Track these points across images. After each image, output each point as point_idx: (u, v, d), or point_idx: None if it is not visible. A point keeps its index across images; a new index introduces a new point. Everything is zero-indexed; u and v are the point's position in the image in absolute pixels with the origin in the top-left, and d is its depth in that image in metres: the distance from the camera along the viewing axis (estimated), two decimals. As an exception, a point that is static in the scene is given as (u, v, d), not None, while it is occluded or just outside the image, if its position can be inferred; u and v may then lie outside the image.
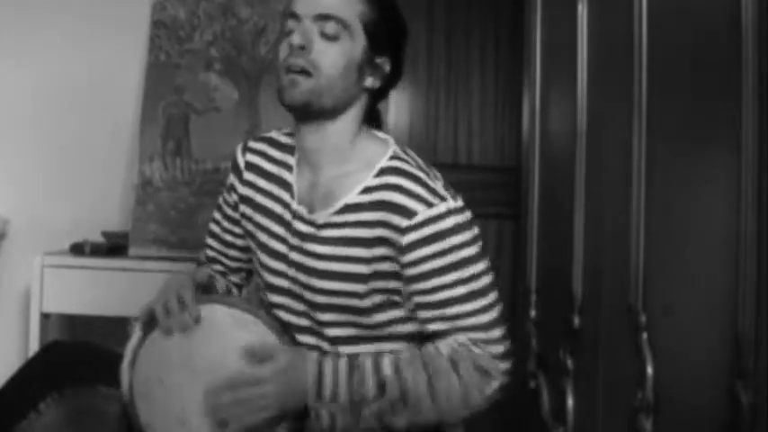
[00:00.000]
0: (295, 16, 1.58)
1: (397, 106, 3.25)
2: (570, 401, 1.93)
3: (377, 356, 1.55)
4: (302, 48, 1.55)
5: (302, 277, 1.61)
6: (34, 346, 2.78)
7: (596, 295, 1.80)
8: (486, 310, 1.55)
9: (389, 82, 1.66)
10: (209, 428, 1.55)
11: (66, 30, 3.18)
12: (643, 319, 1.48)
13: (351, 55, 1.58)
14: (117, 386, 1.61)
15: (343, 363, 1.54)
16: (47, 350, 1.82)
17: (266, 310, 1.65)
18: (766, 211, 1.07)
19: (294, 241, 1.62)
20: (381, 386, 1.52)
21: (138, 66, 3.16)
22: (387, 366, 1.53)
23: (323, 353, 1.58)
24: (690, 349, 1.33)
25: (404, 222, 1.52)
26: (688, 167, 1.34)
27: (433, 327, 1.56)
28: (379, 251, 1.55)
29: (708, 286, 1.26)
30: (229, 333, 1.58)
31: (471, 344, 1.54)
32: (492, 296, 1.57)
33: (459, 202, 1.55)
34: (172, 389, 1.57)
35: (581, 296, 1.90)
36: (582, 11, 1.93)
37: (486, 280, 1.57)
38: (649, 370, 1.44)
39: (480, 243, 1.57)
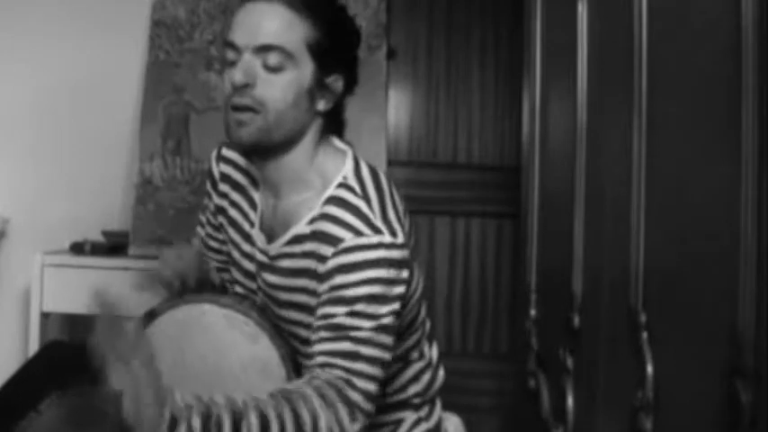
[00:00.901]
0: (234, 47, 1.50)
1: (397, 106, 3.25)
2: (570, 400, 1.93)
3: (239, 414, 1.38)
4: (245, 85, 1.48)
5: (268, 303, 1.60)
6: (34, 346, 2.79)
7: (596, 294, 1.79)
8: (372, 360, 1.45)
9: (344, 94, 1.58)
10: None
11: (66, 29, 3.18)
12: (643, 318, 1.48)
13: (299, 84, 1.50)
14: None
15: (196, 422, 1.36)
16: (47, 349, 1.82)
17: (258, 311, 1.65)
18: (766, 211, 1.07)
19: (256, 266, 1.61)
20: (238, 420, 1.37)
21: (139, 65, 3.16)
22: (251, 415, 1.38)
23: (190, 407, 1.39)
24: (690, 348, 1.33)
25: (329, 250, 1.46)
26: (688, 167, 1.34)
27: (317, 358, 1.45)
28: (311, 283, 1.50)
29: (708, 284, 1.26)
30: (221, 333, 1.58)
31: (343, 383, 1.43)
32: (380, 349, 1.46)
33: (399, 239, 1.47)
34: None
35: (581, 295, 1.90)
36: (582, 11, 1.92)
37: (387, 320, 1.46)
38: (649, 369, 1.44)
39: (402, 287, 1.47)
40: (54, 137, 3.17)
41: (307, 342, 1.54)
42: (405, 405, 1.68)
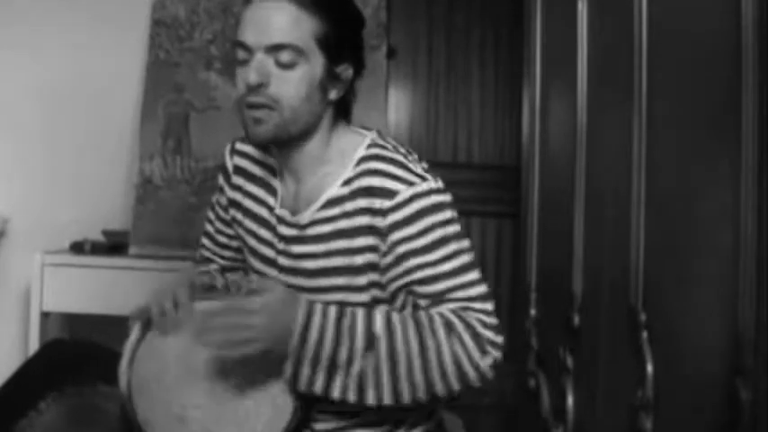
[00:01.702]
0: (245, 47, 1.52)
1: (398, 106, 3.26)
2: (570, 400, 1.93)
3: (369, 310, 1.49)
4: (260, 85, 1.50)
5: (293, 280, 1.60)
6: (34, 345, 2.79)
7: (596, 294, 1.80)
8: (474, 284, 1.53)
9: (354, 79, 1.61)
10: (207, 426, 1.55)
11: (66, 29, 3.18)
12: (643, 317, 1.48)
13: (311, 77, 1.53)
14: (117, 385, 1.61)
15: (333, 309, 1.47)
16: (47, 349, 1.82)
17: None
18: (766, 211, 1.07)
19: (281, 246, 1.62)
20: (370, 340, 1.45)
21: (139, 64, 3.16)
22: (378, 321, 1.47)
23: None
24: (690, 347, 1.33)
25: (385, 203, 1.50)
26: (688, 167, 1.34)
27: (424, 304, 1.52)
28: (364, 241, 1.53)
29: (708, 284, 1.26)
30: None
31: (467, 311, 1.50)
32: (477, 272, 1.54)
33: (440, 183, 1.55)
34: (170, 387, 1.57)
35: (581, 295, 1.90)
36: (582, 10, 1.93)
37: (469, 257, 1.54)
38: (649, 368, 1.44)
39: (459, 223, 1.56)
40: (54, 136, 3.17)
41: (341, 305, 1.56)
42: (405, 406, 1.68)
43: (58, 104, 3.19)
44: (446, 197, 1.55)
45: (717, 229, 1.22)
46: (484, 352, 1.50)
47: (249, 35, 1.52)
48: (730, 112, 1.14)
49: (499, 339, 1.52)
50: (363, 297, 1.56)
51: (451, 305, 1.51)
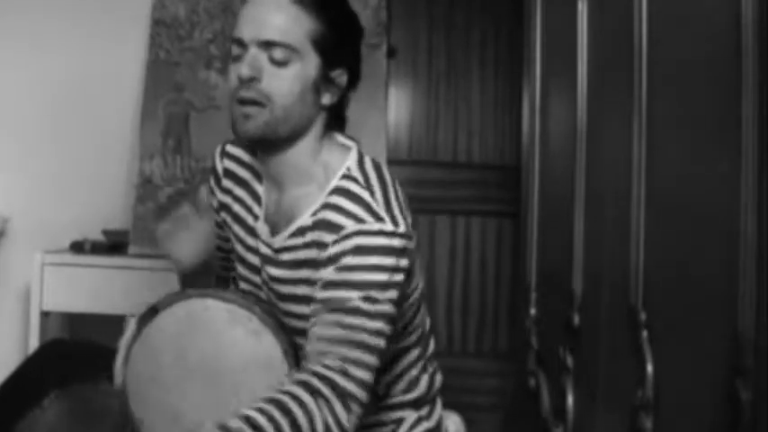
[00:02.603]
0: (240, 42, 1.50)
1: (398, 105, 3.26)
2: (570, 399, 1.93)
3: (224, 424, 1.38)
4: (252, 79, 1.48)
5: (272, 297, 1.60)
6: (34, 344, 2.79)
7: (596, 293, 1.80)
8: (369, 334, 1.44)
9: (348, 88, 1.57)
10: (202, 425, 1.55)
11: (66, 28, 3.18)
12: (643, 317, 1.49)
13: (305, 77, 1.50)
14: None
15: None
16: (47, 348, 1.82)
17: (261, 306, 1.65)
18: (766, 211, 1.08)
19: (260, 260, 1.61)
20: None
21: (139, 64, 3.16)
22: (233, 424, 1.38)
23: None
24: (690, 347, 1.33)
25: (330, 237, 1.46)
26: (688, 167, 1.34)
27: (312, 345, 1.44)
28: (310, 273, 1.50)
29: (708, 284, 1.26)
30: (224, 329, 1.58)
31: (335, 373, 1.42)
32: (381, 325, 1.44)
33: (401, 228, 1.46)
34: (166, 385, 1.57)
35: (581, 294, 1.90)
36: (582, 9, 1.93)
37: (385, 307, 1.45)
38: (649, 368, 1.44)
39: (400, 277, 1.46)
40: (54, 136, 3.17)
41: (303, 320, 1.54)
42: (405, 404, 1.68)
43: (59, 104, 3.19)
44: (397, 242, 1.45)
45: (717, 230, 1.23)
46: (348, 409, 1.42)
47: (244, 31, 1.50)
48: (730, 112, 1.14)
49: (365, 398, 1.44)
50: None
51: (328, 361, 1.42)
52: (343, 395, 1.42)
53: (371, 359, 1.45)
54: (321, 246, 1.48)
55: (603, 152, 1.77)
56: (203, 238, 1.81)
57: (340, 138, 1.61)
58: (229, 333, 1.57)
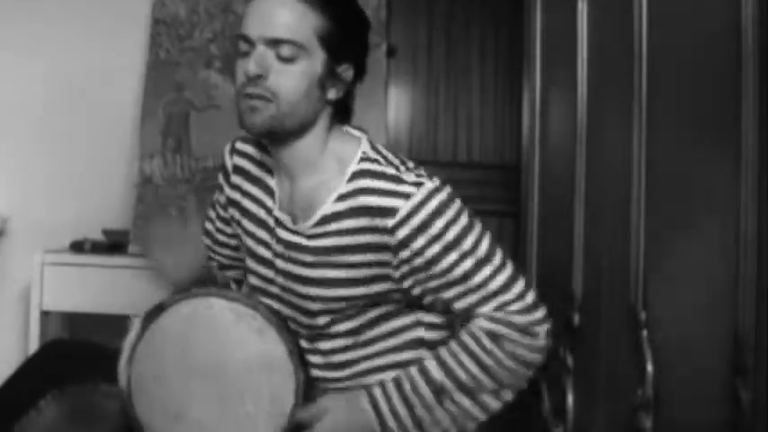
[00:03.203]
0: (247, 39, 1.52)
1: (398, 104, 3.26)
2: (570, 399, 1.93)
3: (422, 362, 1.55)
4: (259, 76, 1.50)
5: (291, 284, 1.60)
6: (34, 344, 2.79)
7: (596, 293, 1.80)
8: (497, 272, 1.53)
9: (354, 82, 1.60)
10: (206, 426, 1.55)
11: (66, 28, 3.18)
12: (643, 316, 1.49)
13: (311, 74, 1.52)
14: (117, 383, 1.61)
15: (390, 384, 1.55)
16: (47, 348, 1.82)
17: (265, 306, 1.65)
18: (766, 211, 1.08)
19: (279, 248, 1.61)
20: (436, 390, 1.53)
21: (139, 63, 3.16)
22: (433, 369, 1.54)
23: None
24: (690, 347, 1.33)
25: (389, 222, 1.50)
26: (688, 167, 1.34)
27: (458, 305, 1.55)
28: (370, 257, 1.53)
29: (708, 284, 1.26)
30: (228, 327, 1.58)
31: (500, 310, 1.53)
32: (498, 258, 1.55)
33: (436, 182, 1.54)
34: (170, 385, 1.57)
35: (581, 294, 1.90)
36: (582, 9, 1.93)
37: (485, 246, 1.55)
38: (649, 367, 1.44)
39: (466, 212, 1.55)
40: (54, 135, 3.17)
41: (314, 315, 1.58)
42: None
43: (59, 103, 3.19)
44: (444, 194, 1.53)
45: (717, 229, 1.23)
46: (534, 335, 1.53)
47: (252, 28, 1.51)
48: (730, 111, 1.14)
49: (539, 314, 1.54)
50: (361, 304, 1.58)
51: (484, 309, 1.53)
52: (523, 329, 1.52)
53: (520, 287, 1.54)
54: (381, 231, 1.51)
55: (603, 152, 1.77)
56: (193, 251, 1.81)
57: (348, 129, 1.63)
58: (233, 332, 1.58)
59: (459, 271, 1.52)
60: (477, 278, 1.53)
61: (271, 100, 1.51)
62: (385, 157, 1.57)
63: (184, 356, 1.57)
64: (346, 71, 1.56)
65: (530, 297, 1.54)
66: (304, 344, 1.62)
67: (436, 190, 1.52)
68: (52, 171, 3.19)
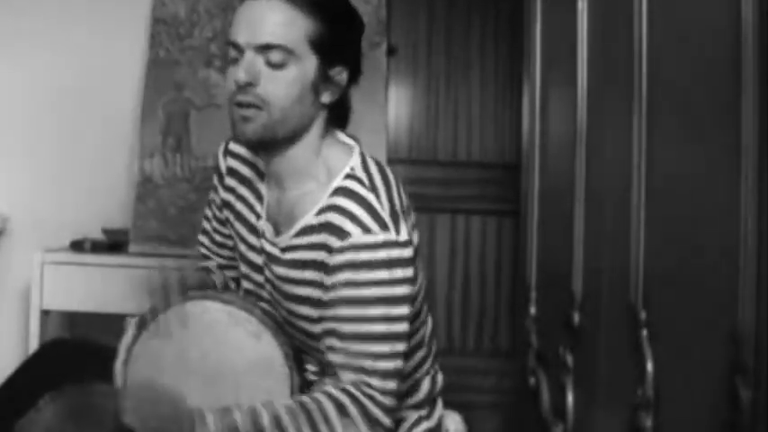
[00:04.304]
0: (236, 46, 1.49)
1: (397, 103, 3.25)
2: (570, 398, 1.93)
3: (254, 408, 1.46)
4: (248, 84, 1.48)
5: (274, 294, 1.60)
6: (34, 343, 2.79)
7: (596, 292, 1.80)
8: (389, 357, 1.46)
9: (349, 85, 1.57)
10: None
11: (66, 26, 3.18)
12: (643, 315, 1.49)
13: (303, 79, 1.49)
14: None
15: (211, 417, 1.44)
16: (47, 347, 1.82)
17: (261, 308, 1.65)
18: (766, 211, 1.08)
19: (264, 258, 1.61)
20: None
21: (139, 62, 3.16)
22: (265, 417, 1.44)
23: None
24: (690, 346, 1.33)
25: (336, 243, 1.46)
26: (688, 167, 1.34)
27: (332, 357, 1.48)
28: (314, 275, 1.50)
29: (708, 283, 1.26)
30: (224, 330, 1.58)
31: (362, 392, 1.45)
32: (400, 346, 1.47)
33: (403, 236, 1.47)
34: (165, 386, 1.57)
35: (581, 293, 1.90)
36: (582, 8, 1.93)
37: (399, 327, 1.47)
38: (649, 367, 1.44)
39: (409, 286, 1.47)
40: (54, 134, 3.17)
41: (312, 336, 1.55)
42: (407, 406, 1.68)
43: (59, 103, 3.19)
44: (401, 252, 1.45)
45: (717, 229, 1.23)
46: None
47: (240, 34, 1.49)
48: (730, 111, 1.14)
49: (387, 421, 1.47)
50: (315, 328, 1.54)
51: (351, 376, 1.46)
52: (372, 421, 1.45)
53: (395, 385, 1.48)
54: (328, 249, 1.47)
55: (603, 152, 1.77)
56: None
57: (341, 136, 1.60)
58: (230, 335, 1.58)
59: (347, 328, 1.46)
60: (369, 348, 1.45)
61: (261, 108, 1.48)
62: (371, 179, 1.53)
63: (180, 359, 1.57)
64: (340, 74, 1.54)
65: (390, 400, 1.47)
66: (304, 340, 1.62)
67: (395, 244, 1.46)
68: (52, 170, 3.19)
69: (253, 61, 1.48)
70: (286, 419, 1.44)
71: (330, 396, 1.45)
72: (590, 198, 1.87)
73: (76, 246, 2.97)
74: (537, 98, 2.40)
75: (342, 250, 1.45)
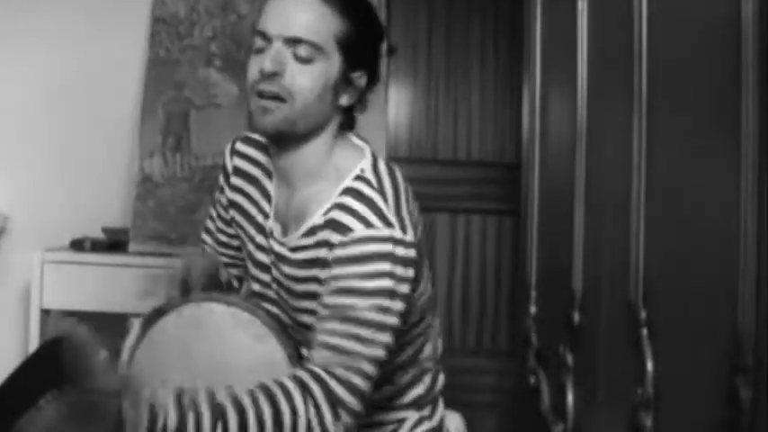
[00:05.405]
0: (265, 36, 1.50)
1: (398, 104, 3.26)
2: (570, 397, 1.93)
3: (214, 403, 1.39)
4: (274, 74, 1.47)
5: (284, 295, 1.60)
6: (34, 343, 2.79)
7: (596, 291, 1.80)
8: (371, 343, 1.43)
9: (366, 90, 1.57)
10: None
11: (66, 26, 3.18)
12: (643, 315, 1.49)
13: (327, 76, 1.50)
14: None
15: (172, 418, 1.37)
16: (47, 346, 1.82)
17: (265, 310, 1.65)
18: (766, 211, 1.08)
19: (273, 258, 1.61)
20: (216, 416, 1.38)
21: (139, 61, 3.16)
22: (223, 398, 1.40)
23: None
24: (690, 345, 1.33)
25: (338, 238, 1.45)
26: (688, 166, 1.35)
27: (316, 336, 1.45)
28: (317, 272, 1.50)
29: (708, 282, 1.26)
30: (228, 332, 1.58)
31: (330, 373, 1.41)
32: (384, 337, 1.44)
33: (408, 236, 1.46)
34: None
35: (581, 292, 1.90)
36: (582, 8, 1.93)
37: (389, 319, 1.45)
38: (649, 366, 1.44)
39: (408, 286, 1.46)
40: (54, 134, 3.17)
41: (309, 325, 1.54)
42: (408, 405, 1.68)
43: (58, 102, 3.19)
44: (404, 251, 1.44)
45: (717, 228, 1.23)
46: (338, 417, 1.41)
47: (271, 25, 1.49)
48: (730, 111, 1.14)
49: (353, 401, 1.42)
50: None
51: (325, 353, 1.42)
52: (335, 401, 1.41)
53: (371, 369, 1.45)
54: (329, 245, 1.47)
55: (603, 151, 1.77)
56: None
57: (353, 138, 1.60)
58: (233, 336, 1.58)
59: (337, 312, 1.43)
60: (343, 327, 1.43)
61: (285, 100, 1.48)
62: (380, 181, 1.53)
63: (184, 360, 1.57)
64: (360, 78, 1.54)
65: (366, 385, 1.43)
66: (304, 350, 1.61)
67: (400, 241, 1.45)
68: (52, 169, 3.19)
69: (281, 51, 1.48)
70: (246, 400, 1.40)
71: (294, 377, 1.42)
72: (590, 197, 1.87)
73: (77, 245, 2.97)
74: (537, 98, 2.40)
75: (343, 244, 1.45)
